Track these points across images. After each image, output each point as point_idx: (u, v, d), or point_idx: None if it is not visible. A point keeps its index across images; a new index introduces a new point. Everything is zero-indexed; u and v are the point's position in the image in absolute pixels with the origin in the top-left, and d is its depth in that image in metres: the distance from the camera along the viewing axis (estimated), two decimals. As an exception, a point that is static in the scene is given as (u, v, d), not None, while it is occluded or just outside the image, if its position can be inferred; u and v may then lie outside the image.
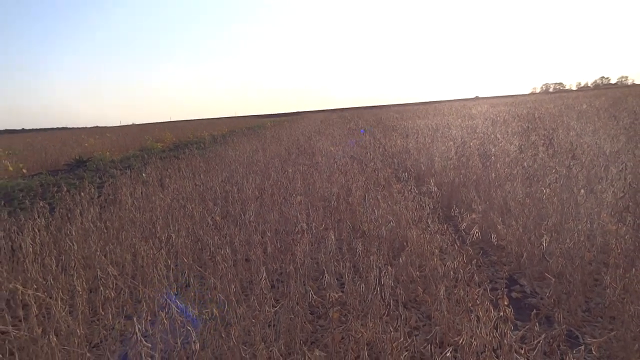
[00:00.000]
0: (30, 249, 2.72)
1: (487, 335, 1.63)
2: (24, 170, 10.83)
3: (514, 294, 2.81)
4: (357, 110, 42.31)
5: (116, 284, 2.34)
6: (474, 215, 3.21)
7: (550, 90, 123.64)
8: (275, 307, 2.17)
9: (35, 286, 2.56)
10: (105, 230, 3.65)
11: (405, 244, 2.96)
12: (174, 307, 1.60)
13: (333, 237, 2.81)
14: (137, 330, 1.28)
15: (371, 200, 3.66)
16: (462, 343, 1.52)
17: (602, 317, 2.48)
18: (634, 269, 2.20)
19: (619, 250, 2.35)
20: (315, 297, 2.02)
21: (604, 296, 2.56)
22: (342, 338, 2.10)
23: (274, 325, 2.12)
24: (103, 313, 1.94)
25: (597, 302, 2.64)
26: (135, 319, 1.38)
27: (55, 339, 1.89)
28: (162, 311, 1.72)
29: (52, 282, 2.22)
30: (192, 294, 2.42)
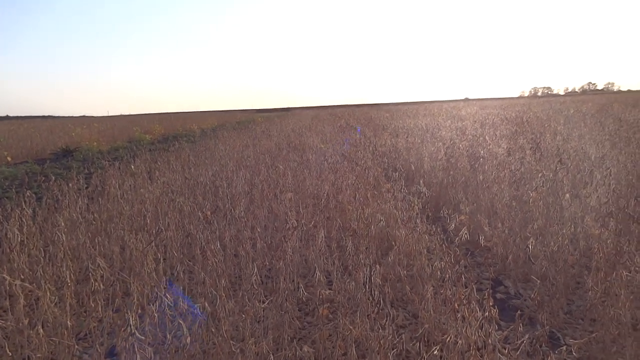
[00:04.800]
0: (18, 239, 2.69)
1: (472, 334, 1.67)
2: (9, 159, 10.65)
3: (498, 295, 2.87)
4: (348, 108, 42.36)
5: (105, 276, 2.33)
6: (462, 217, 3.26)
7: (539, 94, 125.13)
8: (264, 302, 2.19)
9: (22, 276, 2.54)
10: (93, 222, 3.62)
11: (393, 243, 3.00)
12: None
13: (323, 234, 2.83)
14: (131, 323, 1.29)
15: (361, 199, 3.69)
16: (448, 342, 1.56)
17: (582, 319, 2.54)
18: (614, 273, 2.26)
19: (601, 255, 2.41)
20: (305, 293, 2.04)
21: (585, 299, 2.63)
22: (330, 335, 2.13)
23: (262, 321, 2.14)
24: (93, 305, 1.93)
25: (578, 304, 2.71)
26: (127, 311, 1.38)
27: (42, 330, 1.89)
28: (152, 304, 1.73)
29: (41, 272, 2.21)
30: (181, 287, 2.42)
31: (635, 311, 2.18)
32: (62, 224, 3.28)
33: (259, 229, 3.28)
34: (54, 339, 1.95)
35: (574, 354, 1.78)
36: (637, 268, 2.28)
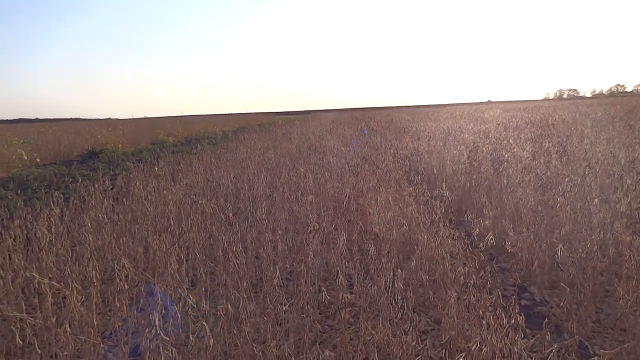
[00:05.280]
0: (47, 238, 2.76)
1: (497, 342, 1.63)
2: (38, 160, 10.96)
3: (523, 302, 2.80)
4: (369, 111, 42.21)
5: (130, 276, 2.37)
6: (486, 222, 3.20)
7: (564, 96, 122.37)
8: (285, 305, 2.19)
9: (50, 275, 2.61)
10: (118, 223, 3.70)
11: (415, 247, 2.96)
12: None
13: (344, 237, 2.82)
14: (156, 323, 1.30)
15: (382, 202, 3.66)
16: (474, 349, 1.52)
17: (612, 328, 2.46)
18: (646, 282, 2.18)
19: (633, 262, 2.33)
20: (328, 296, 2.04)
21: (615, 307, 2.54)
22: (351, 339, 2.11)
23: (283, 324, 2.14)
24: (118, 305, 1.97)
25: (607, 313, 2.62)
26: (154, 312, 1.40)
27: (69, 328, 1.93)
28: (176, 305, 1.74)
29: (69, 272, 2.26)
30: (203, 289, 2.44)
31: (668, 322, 2.10)
32: (89, 224, 3.36)
33: (279, 232, 3.29)
34: (80, 337, 1.99)
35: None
36: (670, 277, 2.20)
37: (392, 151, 7.16)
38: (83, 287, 2.42)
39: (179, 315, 1.74)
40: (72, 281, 2.18)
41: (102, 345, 1.95)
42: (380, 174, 4.85)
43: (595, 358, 1.47)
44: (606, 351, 1.70)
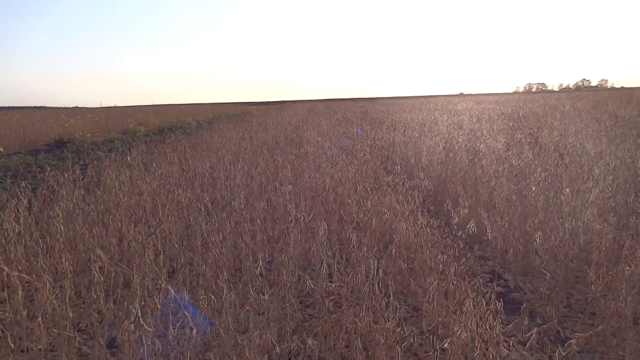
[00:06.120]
0: (15, 230, 2.65)
1: (476, 327, 1.66)
2: (1, 149, 10.51)
3: (498, 288, 2.86)
4: (343, 102, 42.30)
5: (105, 268, 2.30)
6: (465, 211, 3.26)
7: (533, 90, 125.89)
8: (266, 295, 2.17)
9: (20, 268, 2.51)
10: (91, 213, 3.58)
11: (394, 236, 2.99)
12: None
13: (324, 227, 2.82)
14: (139, 314, 1.27)
15: (361, 192, 3.68)
16: (458, 334, 1.55)
17: (582, 312, 2.55)
18: (616, 268, 2.26)
19: (603, 249, 2.42)
20: (311, 286, 2.03)
21: (585, 293, 2.64)
22: (333, 327, 2.11)
23: (264, 313, 2.12)
24: (95, 297, 1.91)
25: (577, 298, 2.71)
26: (129, 303, 1.36)
27: (41, 321, 1.86)
28: (155, 297, 1.70)
29: (42, 263, 2.17)
30: (181, 279, 2.40)
31: (636, 305, 2.19)
32: (60, 214, 3.24)
33: (258, 221, 3.26)
34: (54, 330, 1.92)
35: (574, 347, 1.78)
36: (638, 262, 2.29)
37: (368, 142, 7.19)
38: (55, 279, 2.33)
39: (158, 307, 1.70)
40: (43, 273, 2.10)
41: (77, 338, 1.89)
42: (358, 164, 4.87)
43: (573, 341, 1.51)
44: (580, 334, 1.77)
